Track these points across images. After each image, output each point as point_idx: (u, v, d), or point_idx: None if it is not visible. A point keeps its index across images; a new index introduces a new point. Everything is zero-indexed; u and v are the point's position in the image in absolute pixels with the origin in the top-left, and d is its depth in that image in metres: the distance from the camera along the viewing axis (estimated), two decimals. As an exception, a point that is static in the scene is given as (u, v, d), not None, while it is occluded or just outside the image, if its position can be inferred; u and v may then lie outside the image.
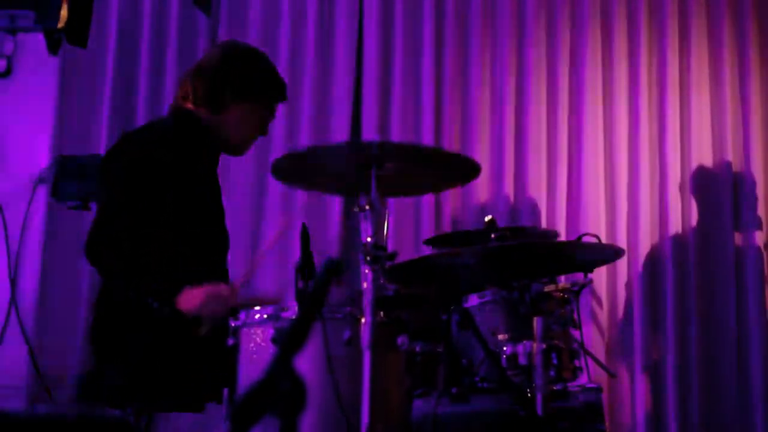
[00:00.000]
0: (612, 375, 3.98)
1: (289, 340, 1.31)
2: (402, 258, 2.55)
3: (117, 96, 4.46)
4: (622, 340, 4.39)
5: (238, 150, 3.27)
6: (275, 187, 4.41)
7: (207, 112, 3.15)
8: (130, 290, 2.89)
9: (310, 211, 4.36)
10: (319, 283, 1.37)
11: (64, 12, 3.65)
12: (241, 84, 3.15)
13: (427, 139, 4.43)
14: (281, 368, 1.28)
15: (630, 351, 4.35)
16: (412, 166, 2.49)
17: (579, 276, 2.85)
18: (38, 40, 4.06)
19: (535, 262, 2.70)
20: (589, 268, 2.85)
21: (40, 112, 4.40)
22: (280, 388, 1.27)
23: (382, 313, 2.27)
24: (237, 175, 4.37)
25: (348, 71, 4.52)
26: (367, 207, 2.30)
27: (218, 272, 3.16)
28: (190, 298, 2.82)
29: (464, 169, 2.59)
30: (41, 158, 4.35)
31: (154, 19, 4.55)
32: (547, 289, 2.69)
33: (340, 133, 4.46)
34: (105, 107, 4.44)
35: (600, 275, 4.38)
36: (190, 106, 3.17)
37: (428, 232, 4.32)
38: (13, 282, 4.17)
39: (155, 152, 2.99)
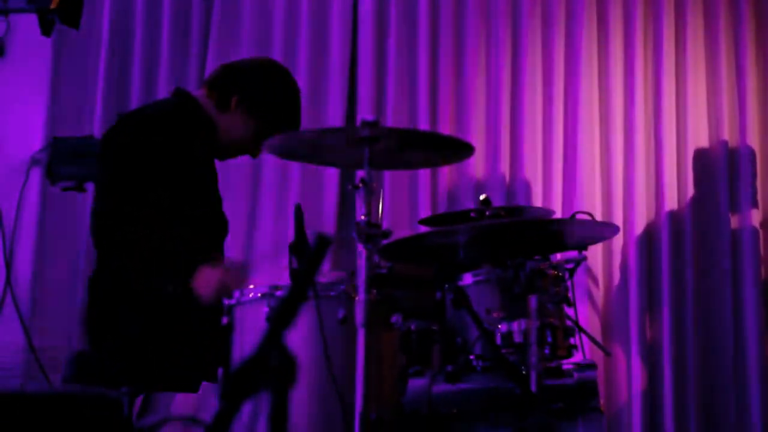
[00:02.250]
0: (607, 353, 3.98)
1: (280, 316, 1.30)
2: (398, 236, 2.55)
3: (111, 77, 4.44)
4: (618, 318, 4.39)
5: (220, 153, 3.27)
6: (270, 168, 4.40)
7: (213, 103, 3.16)
8: (144, 277, 2.87)
9: (305, 187, 4.36)
10: (310, 259, 1.36)
11: (57, -8, 3.62)
12: (257, 99, 3.16)
13: (423, 115, 4.42)
14: (271, 344, 1.28)
15: (625, 329, 4.35)
16: (407, 148, 2.50)
17: (573, 254, 2.84)
18: (31, 20, 4.02)
19: (528, 240, 2.70)
20: (582, 245, 2.85)
21: (33, 94, 4.37)
22: (270, 363, 1.26)
23: (376, 291, 2.26)
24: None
25: (343, 52, 4.49)
26: (361, 185, 2.29)
27: (216, 257, 3.15)
28: (206, 282, 2.81)
29: (458, 151, 2.62)
30: (35, 140, 4.33)
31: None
32: (541, 266, 2.69)
33: (334, 114, 4.44)
34: (99, 88, 4.41)
35: (595, 254, 4.38)
36: (203, 91, 3.19)
37: (424, 211, 4.31)
38: (8, 264, 4.16)
39: (152, 134, 2.99)
